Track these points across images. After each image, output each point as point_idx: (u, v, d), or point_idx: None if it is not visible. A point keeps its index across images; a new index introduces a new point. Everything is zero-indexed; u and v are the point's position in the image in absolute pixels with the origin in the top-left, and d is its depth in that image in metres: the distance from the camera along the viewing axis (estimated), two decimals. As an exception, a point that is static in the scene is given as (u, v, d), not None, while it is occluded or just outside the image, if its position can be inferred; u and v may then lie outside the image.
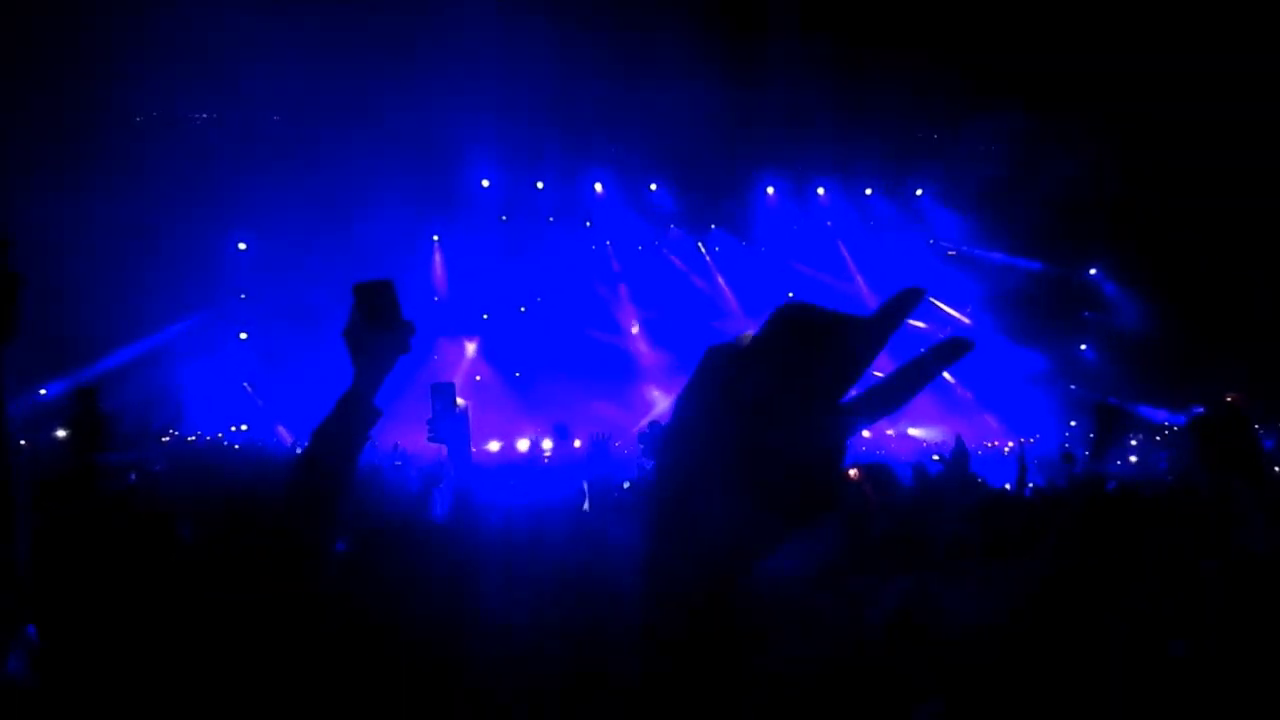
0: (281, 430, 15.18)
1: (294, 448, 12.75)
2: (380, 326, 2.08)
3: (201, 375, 14.86)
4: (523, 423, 15.39)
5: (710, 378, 0.66)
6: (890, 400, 0.67)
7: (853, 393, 0.67)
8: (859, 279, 18.93)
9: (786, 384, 0.64)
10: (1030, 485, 7.93)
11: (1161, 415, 15.87)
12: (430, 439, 2.87)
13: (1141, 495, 4.13)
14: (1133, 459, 13.40)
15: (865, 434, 17.44)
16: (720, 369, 0.66)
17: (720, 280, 19.17)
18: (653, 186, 17.54)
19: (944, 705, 1.91)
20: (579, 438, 8.70)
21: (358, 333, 2.08)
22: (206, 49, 12.20)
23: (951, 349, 0.68)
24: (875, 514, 4.77)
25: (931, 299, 19.39)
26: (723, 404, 0.65)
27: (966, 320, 19.03)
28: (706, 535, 0.64)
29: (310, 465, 1.98)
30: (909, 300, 0.67)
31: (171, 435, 13.05)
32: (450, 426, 2.80)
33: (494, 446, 13.75)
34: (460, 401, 2.95)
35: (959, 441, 5.71)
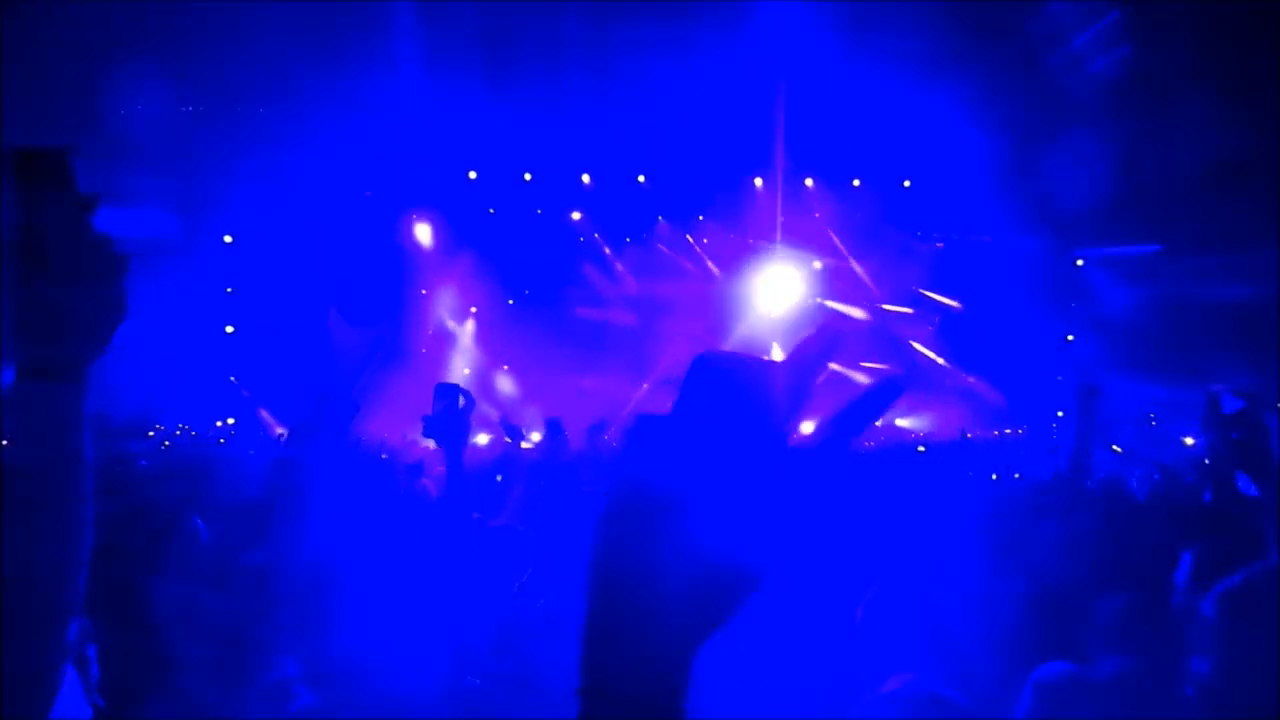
0: (265, 415, 15.13)
1: (280, 437, 12.66)
2: (360, 323, 2.06)
3: (187, 369, 14.75)
4: (515, 414, 15.35)
5: (640, 452, 0.62)
6: (832, 449, 0.63)
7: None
8: (853, 263, 18.97)
9: (714, 446, 0.59)
10: (1016, 475, 7.98)
11: (1158, 393, 15.81)
12: (424, 434, 2.84)
13: (1129, 489, 4.14)
14: (1116, 448, 13.43)
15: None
16: (649, 441, 0.62)
17: (710, 263, 19.18)
18: (640, 178, 17.50)
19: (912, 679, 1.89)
20: (572, 431, 8.57)
21: (339, 331, 2.07)
22: (190, 39, 12.09)
23: (887, 392, 0.65)
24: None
25: (922, 290, 19.45)
26: (655, 479, 0.60)
27: (956, 305, 19.06)
28: (645, 633, 0.59)
29: (289, 460, 1.97)
30: (828, 342, 0.64)
31: (157, 430, 12.97)
32: (449, 428, 2.76)
33: (483, 439, 13.69)
34: (461, 400, 2.91)
35: (963, 437, 5.67)
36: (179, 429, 13.79)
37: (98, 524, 1.08)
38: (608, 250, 18.91)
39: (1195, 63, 11.93)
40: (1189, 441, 11.10)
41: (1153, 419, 14.99)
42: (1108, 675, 2.14)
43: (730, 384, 0.61)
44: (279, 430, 14.02)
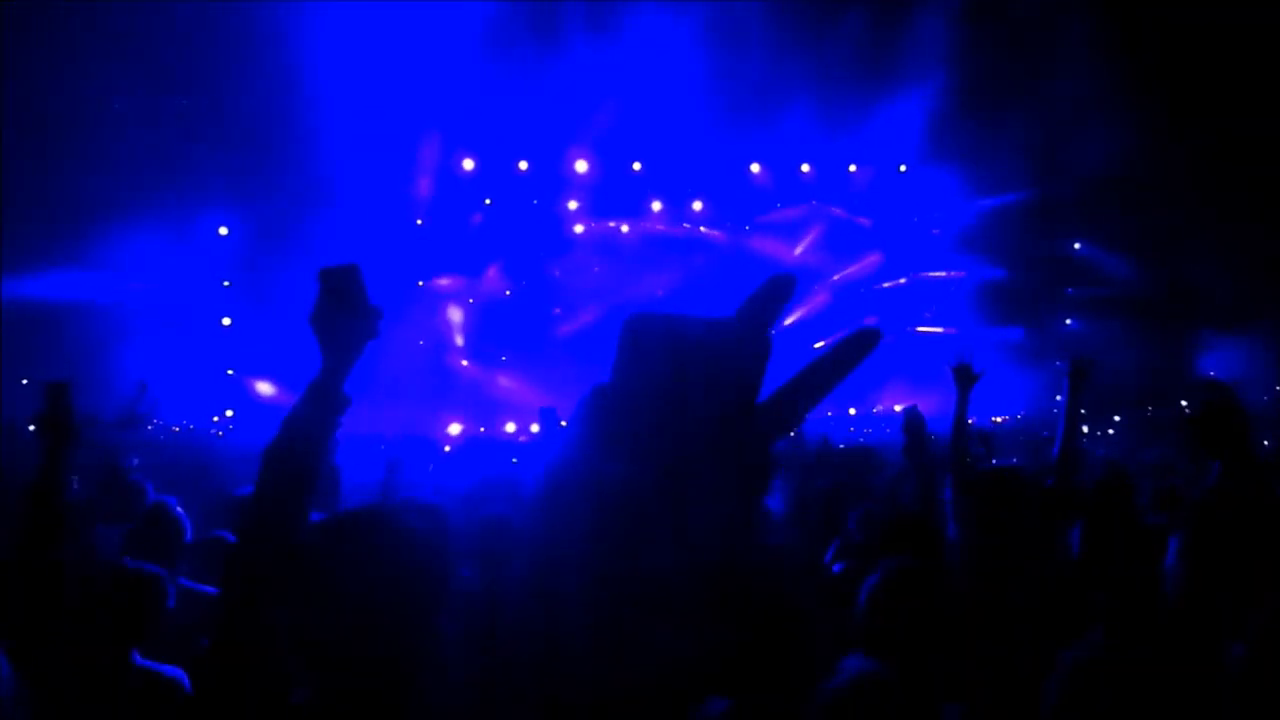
0: (253, 383, 15.16)
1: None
2: (347, 312, 2.02)
3: (183, 362, 14.72)
4: (513, 407, 15.43)
5: (585, 424, 0.55)
6: (795, 407, 0.56)
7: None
8: (860, 219, 18.99)
9: (658, 411, 0.53)
10: (1013, 461, 7.96)
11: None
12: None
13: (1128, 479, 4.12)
14: (1111, 432, 13.46)
15: (851, 411, 17.47)
16: (594, 411, 0.55)
17: (708, 231, 19.15)
18: (635, 165, 17.44)
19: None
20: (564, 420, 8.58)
21: (324, 319, 2.03)
22: (180, 34, 12.06)
23: (860, 342, 0.58)
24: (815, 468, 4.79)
25: (918, 274, 19.45)
26: (598, 456, 0.54)
27: (961, 273, 19.07)
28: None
29: (278, 454, 1.94)
30: (780, 289, 0.58)
31: (154, 424, 12.94)
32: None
33: (454, 429, 13.53)
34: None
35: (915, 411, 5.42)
36: (176, 428, 13.78)
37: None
38: (611, 223, 18.83)
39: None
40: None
41: (1149, 410, 15.01)
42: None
43: (664, 340, 0.55)
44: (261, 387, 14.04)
